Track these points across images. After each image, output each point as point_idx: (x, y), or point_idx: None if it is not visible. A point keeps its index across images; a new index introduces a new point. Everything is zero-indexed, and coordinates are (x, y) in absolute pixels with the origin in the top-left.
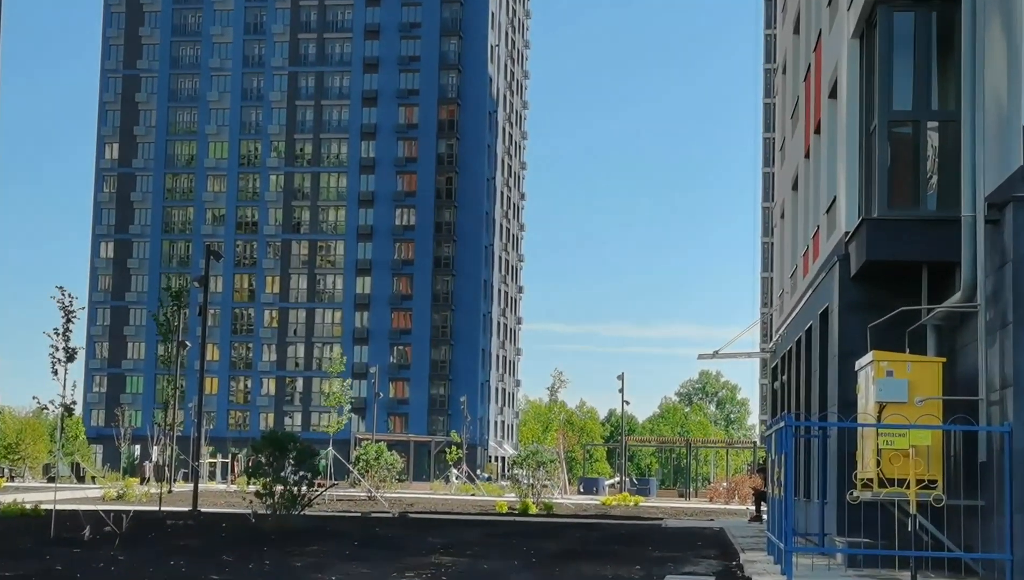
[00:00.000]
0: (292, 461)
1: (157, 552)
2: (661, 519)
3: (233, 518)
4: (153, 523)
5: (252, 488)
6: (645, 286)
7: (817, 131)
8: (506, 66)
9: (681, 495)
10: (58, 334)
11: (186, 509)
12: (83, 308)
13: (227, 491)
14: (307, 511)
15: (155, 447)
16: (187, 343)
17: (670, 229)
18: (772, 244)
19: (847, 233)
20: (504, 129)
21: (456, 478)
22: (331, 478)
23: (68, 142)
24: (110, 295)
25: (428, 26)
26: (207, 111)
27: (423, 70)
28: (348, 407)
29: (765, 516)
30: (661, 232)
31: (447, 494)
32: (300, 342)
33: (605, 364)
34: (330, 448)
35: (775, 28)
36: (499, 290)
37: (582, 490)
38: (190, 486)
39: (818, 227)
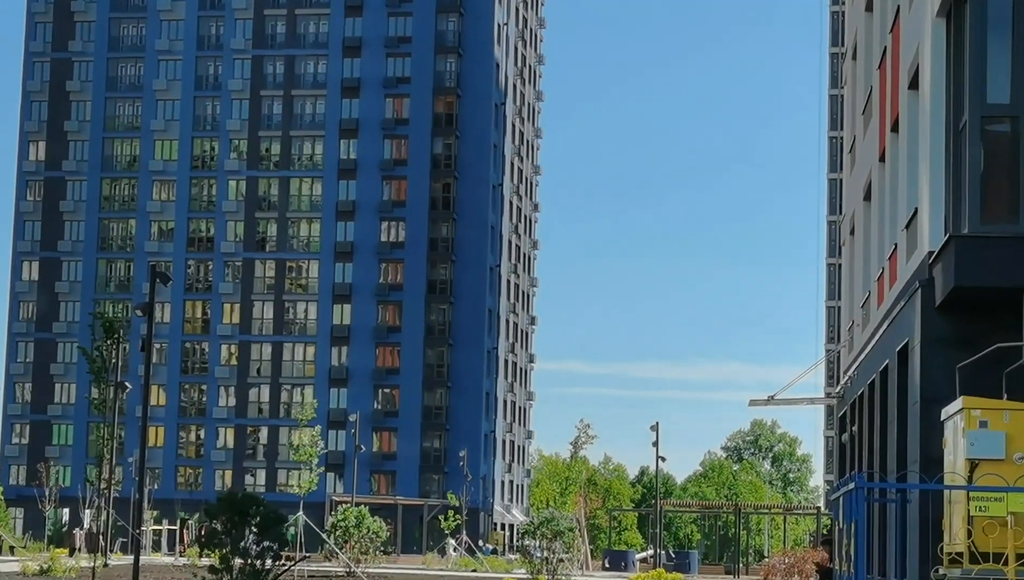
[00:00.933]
0: (254, 529)
1: None
2: None
3: None
4: None
5: (205, 562)
6: (684, 316)
7: (895, 129)
8: (516, 49)
9: (729, 572)
10: None
11: None
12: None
13: (175, 565)
14: None
15: (87, 511)
16: (127, 384)
17: (715, 247)
18: (839, 266)
19: (931, 253)
20: (514, 125)
21: (454, 550)
22: (302, 549)
23: None
24: (34, 325)
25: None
26: (153, 102)
27: (415, 53)
28: (319, 463)
29: None
30: (704, 251)
31: (443, 570)
32: (264, 383)
33: (635, 411)
34: (300, 513)
35: (843, 3)
36: (507, 321)
37: (607, 565)
38: (130, 559)
39: (895, 246)
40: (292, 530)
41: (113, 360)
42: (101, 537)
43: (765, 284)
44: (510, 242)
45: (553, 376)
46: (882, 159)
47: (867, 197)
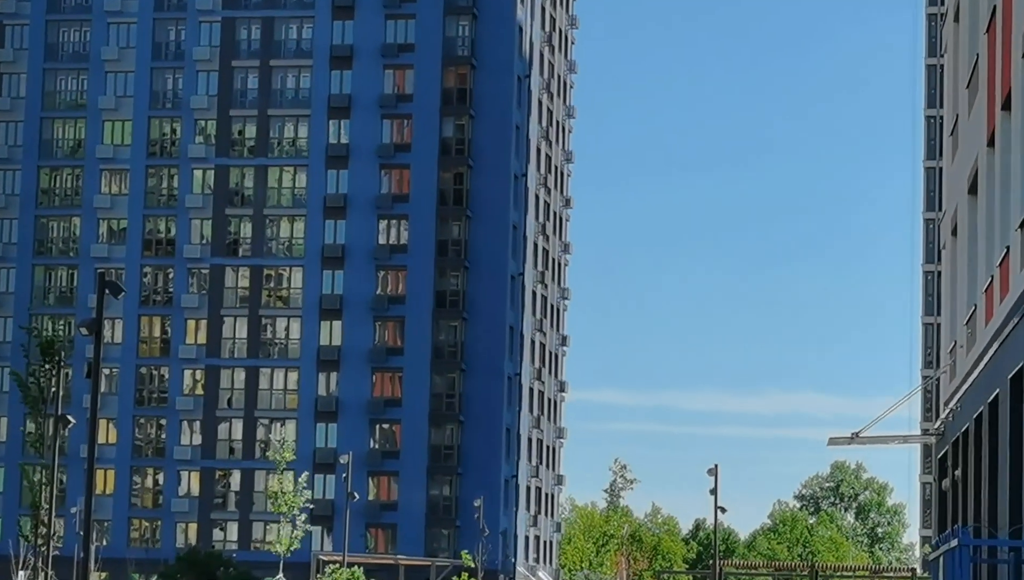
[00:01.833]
0: None
1: None
2: None
3: None
4: None
5: None
6: (748, 336)
7: (1006, 107)
8: (544, 9)
9: None
10: None
11: None
12: None
13: None
14: None
15: (21, 572)
16: (69, 418)
17: (786, 252)
18: (938, 274)
19: None
20: (540, 103)
21: None
22: None
23: None
24: None
25: None
26: (101, 75)
27: (420, 14)
28: (302, 514)
29: None
30: (772, 257)
31: None
32: (236, 417)
33: (688, 452)
34: (280, 575)
35: None
36: (532, 342)
37: None
38: None
39: (1007, 249)
40: None
41: (52, 388)
42: None
43: (847, 297)
44: (536, 245)
45: (588, 408)
46: (991, 143)
47: (972, 190)
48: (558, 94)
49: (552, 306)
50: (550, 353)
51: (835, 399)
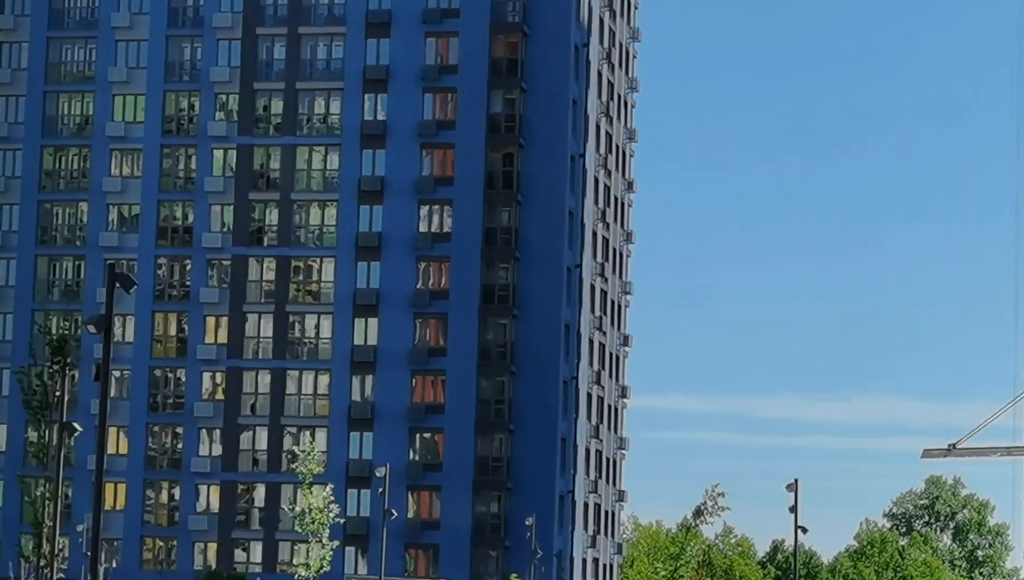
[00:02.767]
0: None
1: None
2: None
3: None
4: None
5: None
6: (831, 335)
7: None
8: None
9: None
10: None
11: None
12: None
13: None
14: None
15: None
16: (75, 425)
17: (871, 241)
18: None
19: None
20: (600, 74)
21: None
22: None
23: None
24: None
25: None
26: (111, 44)
27: None
28: (333, 534)
29: None
30: (855, 245)
31: None
32: (261, 425)
33: (765, 464)
34: None
35: None
36: (590, 341)
37: None
38: None
39: None
40: None
41: (58, 392)
42: None
43: (943, 291)
44: (595, 234)
45: (653, 416)
46: None
47: None
48: (620, 65)
49: (613, 302)
50: (610, 354)
51: (930, 405)
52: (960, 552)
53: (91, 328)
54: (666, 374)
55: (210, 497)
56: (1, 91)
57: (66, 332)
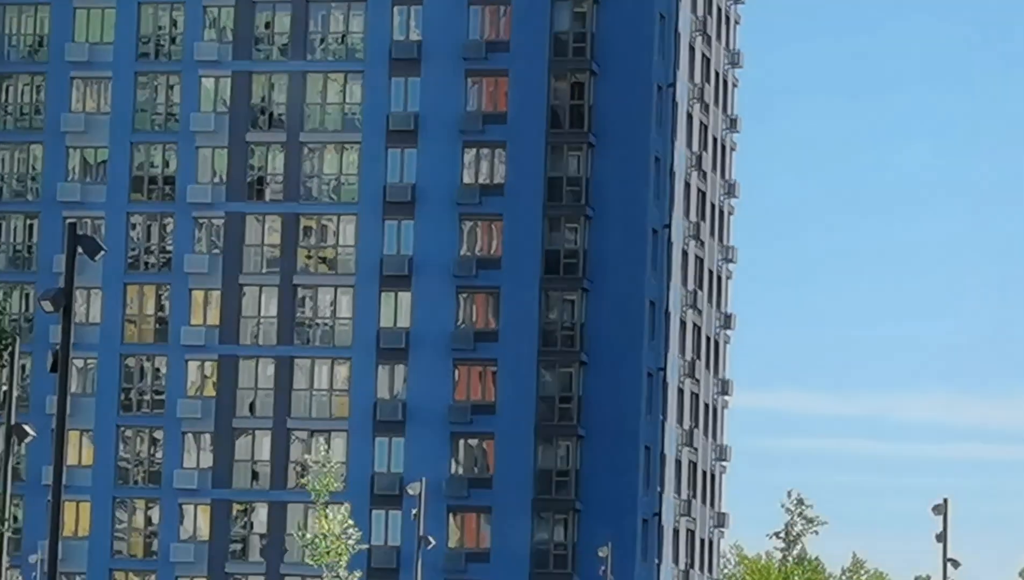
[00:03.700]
0: None
1: None
2: None
3: None
4: None
5: None
6: (991, 314)
7: None
8: None
9: None
10: None
11: None
12: None
13: None
14: None
15: None
16: (27, 429)
17: None
18: None
19: None
20: None
21: None
22: None
23: None
24: None
25: None
26: None
27: None
28: (353, 566)
29: None
30: (1018, 197)
31: None
32: (262, 429)
33: (906, 481)
34: None
35: None
36: (682, 323)
37: None
38: None
39: None
40: None
41: (4, 386)
42: None
43: None
44: (688, 185)
45: (762, 418)
46: None
47: None
48: None
49: (711, 272)
50: (708, 339)
51: None
52: None
53: (46, 305)
54: (779, 365)
55: (197, 520)
56: None
57: (11, 310)
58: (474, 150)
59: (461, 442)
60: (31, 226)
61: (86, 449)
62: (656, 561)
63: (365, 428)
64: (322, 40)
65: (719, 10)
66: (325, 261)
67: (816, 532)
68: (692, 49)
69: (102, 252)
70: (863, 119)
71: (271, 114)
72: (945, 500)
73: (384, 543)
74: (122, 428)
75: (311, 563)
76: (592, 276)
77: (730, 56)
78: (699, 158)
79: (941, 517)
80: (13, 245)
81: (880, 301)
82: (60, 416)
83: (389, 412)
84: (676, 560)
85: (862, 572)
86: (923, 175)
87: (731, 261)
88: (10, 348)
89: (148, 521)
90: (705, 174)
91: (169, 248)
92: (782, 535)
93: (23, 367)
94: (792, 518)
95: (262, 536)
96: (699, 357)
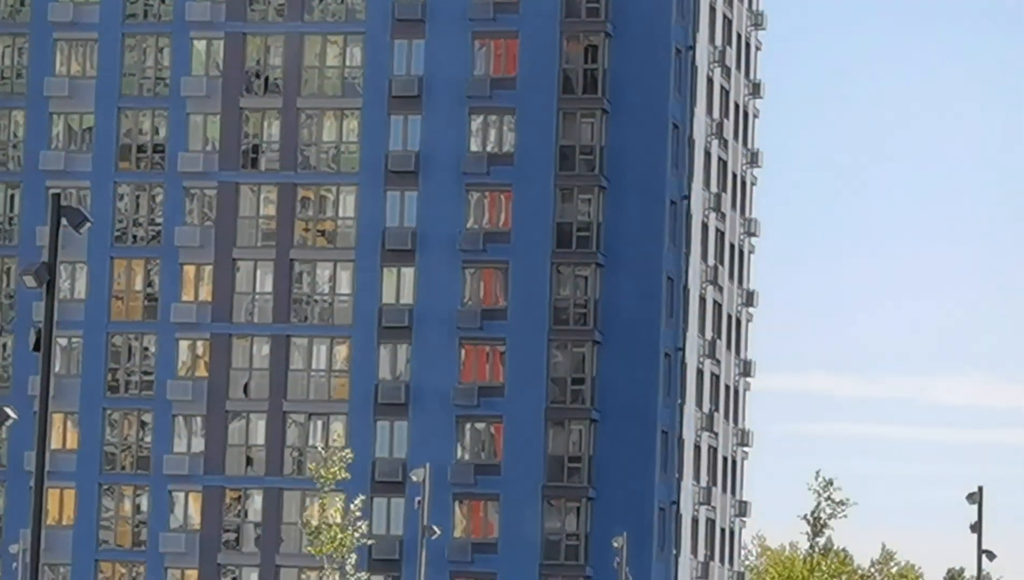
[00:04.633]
0: None
1: None
2: None
3: None
4: None
5: None
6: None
7: None
8: None
9: None
10: None
11: None
12: None
13: None
14: None
15: None
16: (9, 411)
17: None
18: None
19: None
20: None
21: None
22: None
23: None
24: None
25: None
26: None
27: None
28: (356, 557)
29: None
30: None
31: None
32: (258, 411)
33: (939, 468)
34: None
35: None
36: (702, 300)
37: None
38: None
39: None
40: None
41: None
42: None
43: None
44: (707, 154)
45: (786, 401)
46: None
47: None
48: None
49: (732, 246)
50: (729, 317)
51: None
52: None
53: (29, 280)
54: (804, 346)
55: (188, 508)
56: None
57: None
58: (481, 117)
59: (467, 426)
60: (12, 197)
61: (70, 433)
62: (674, 552)
63: (366, 411)
64: (320, 0)
65: None
66: (324, 234)
67: (845, 516)
68: (713, 9)
69: (87, 224)
70: (897, 77)
71: (267, 78)
72: (980, 488)
73: (386, 532)
74: (109, 411)
75: (312, 553)
76: (607, 250)
77: (753, 17)
78: (720, 125)
79: (976, 506)
80: None
81: (912, 278)
82: (43, 398)
83: (391, 394)
84: (695, 551)
85: (892, 564)
86: (942, 137)
87: (754, 235)
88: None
89: (136, 509)
90: (727, 142)
91: (159, 220)
92: (809, 519)
93: (3, 346)
94: (820, 501)
95: (257, 525)
96: (720, 336)
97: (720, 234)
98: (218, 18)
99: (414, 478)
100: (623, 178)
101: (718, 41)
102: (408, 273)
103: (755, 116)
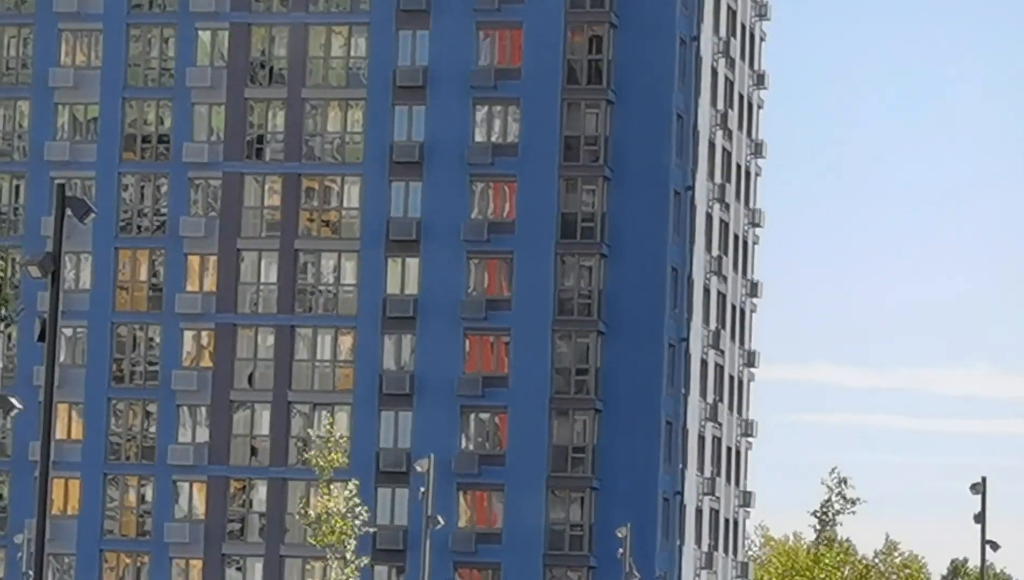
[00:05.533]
0: None
1: None
2: None
3: None
4: None
5: None
6: None
7: None
8: None
9: None
10: None
11: None
12: None
13: None
14: None
15: None
16: (13, 401)
17: None
18: None
19: None
20: None
21: None
22: None
23: None
24: None
25: None
26: None
27: None
28: (359, 548)
29: None
30: None
31: None
32: (262, 402)
33: (943, 459)
34: None
35: None
36: (706, 290)
37: None
38: None
39: None
40: None
41: None
42: None
43: None
44: (712, 144)
45: (791, 391)
46: None
47: None
48: None
49: (736, 237)
50: (733, 307)
51: None
52: None
53: (34, 270)
54: (809, 336)
55: (193, 498)
56: None
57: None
58: (486, 107)
59: (472, 416)
60: (17, 187)
61: (75, 423)
62: (678, 542)
63: (370, 401)
64: None
65: None
66: (328, 224)
67: (854, 513)
68: (717, 0)
69: (92, 214)
70: (901, 66)
71: (271, 69)
72: (984, 479)
73: (390, 522)
74: (113, 401)
75: (314, 543)
76: (611, 241)
77: (757, 8)
78: (724, 116)
79: (979, 496)
80: None
81: (917, 269)
82: (48, 388)
83: (396, 384)
84: (699, 541)
85: (895, 555)
86: (952, 125)
87: (758, 225)
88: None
89: (141, 499)
90: (731, 133)
91: (163, 210)
92: (818, 514)
93: (9, 336)
94: (831, 496)
95: (261, 515)
96: (724, 327)
97: (724, 225)
98: (223, 8)
99: (418, 468)
100: (627, 169)
101: (722, 32)
102: (412, 263)
103: (759, 107)
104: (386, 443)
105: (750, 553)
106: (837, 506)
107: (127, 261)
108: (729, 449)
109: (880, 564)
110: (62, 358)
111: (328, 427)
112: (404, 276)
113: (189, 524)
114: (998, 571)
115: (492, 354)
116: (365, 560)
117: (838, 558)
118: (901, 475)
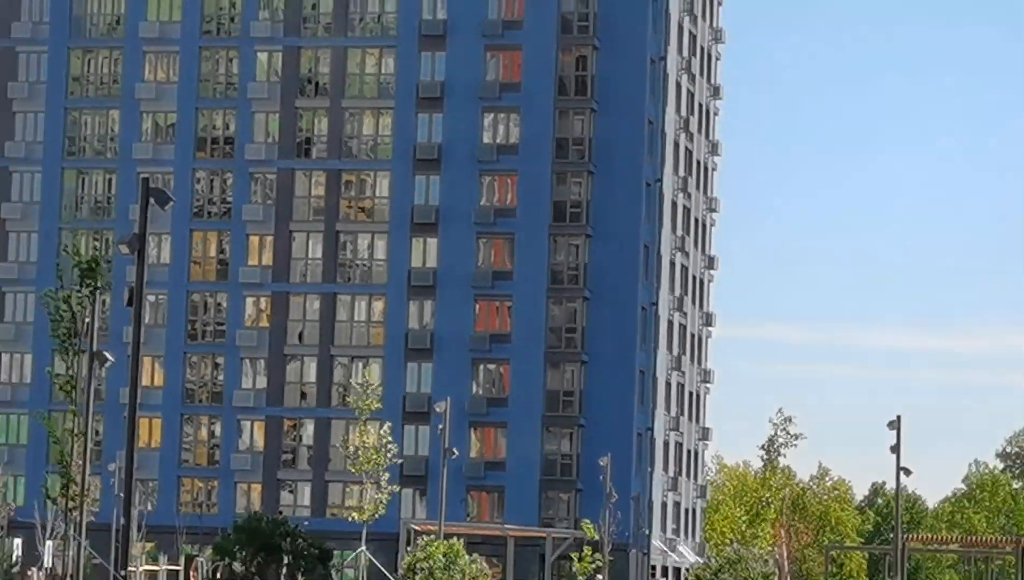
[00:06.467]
0: (287, 567)
1: None
2: None
3: None
4: None
5: None
6: (948, 252)
7: None
8: None
9: None
10: None
11: None
12: None
13: None
14: None
15: (48, 543)
16: (107, 355)
17: (998, 143)
18: None
19: None
20: None
21: None
22: None
23: None
24: None
25: None
26: None
27: None
28: (390, 475)
29: None
30: (977, 152)
31: None
32: (309, 355)
33: (866, 400)
34: (363, 548)
35: None
36: (672, 263)
37: None
38: None
39: None
40: (349, 573)
41: (87, 319)
42: None
43: None
44: (677, 144)
45: (741, 346)
46: None
47: None
48: None
49: (696, 220)
50: (694, 277)
51: None
52: None
53: (123, 248)
54: (756, 300)
55: (254, 434)
56: None
57: (96, 253)
58: (492, 114)
59: (481, 367)
60: (110, 181)
61: (157, 373)
62: (649, 469)
63: (398, 355)
64: (361, 19)
65: None
66: (364, 210)
67: (796, 446)
68: (680, 27)
69: (171, 203)
70: (831, 88)
71: (317, 83)
72: (898, 417)
73: (415, 453)
74: (188, 354)
75: (353, 471)
76: (594, 223)
77: (714, 32)
78: (686, 121)
79: (895, 432)
80: (95, 197)
81: (842, 243)
82: (135, 344)
83: (419, 341)
84: (666, 468)
85: (827, 479)
86: (874, 129)
87: (714, 210)
88: (100, 285)
89: (211, 435)
90: (692, 135)
91: (229, 199)
92: (765, 447)
93: (103, 302)
94: (776, 432)
95: (309, 448)
96: (686, 293)
97: (687, 210)
98: (277, 34)
99: (437, 409)
100: (608, 165)
101: (685, 52)
102: (432, 243)
103: (715, 113)
104: (411, 389)
105: (708, 478)
106: (781, 439)
107: (199, 241)
108: (691, 393)
109: (814, 487)
110: (146, 320)
111: (364, 376)
112: (425, 253)
113: (250, 455)
114: (910, 492)
115: (497, 316)
116: (396, 487)
117: (780, 482)
118: (833, 414)
